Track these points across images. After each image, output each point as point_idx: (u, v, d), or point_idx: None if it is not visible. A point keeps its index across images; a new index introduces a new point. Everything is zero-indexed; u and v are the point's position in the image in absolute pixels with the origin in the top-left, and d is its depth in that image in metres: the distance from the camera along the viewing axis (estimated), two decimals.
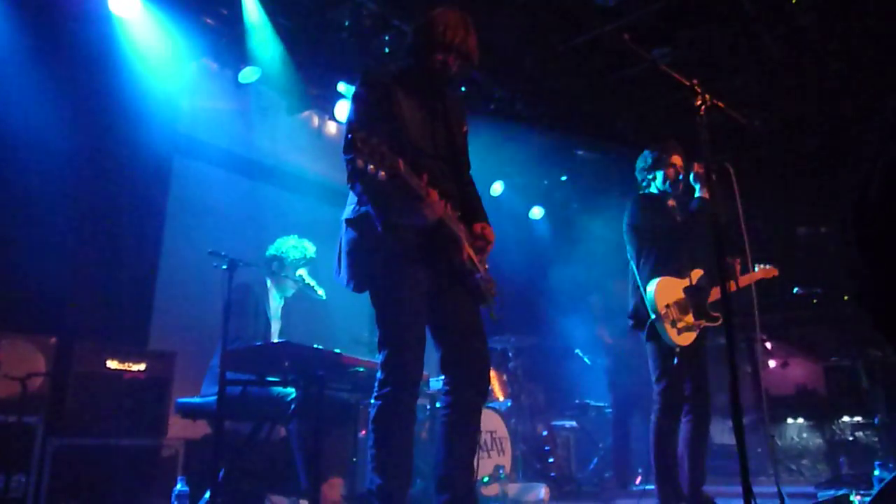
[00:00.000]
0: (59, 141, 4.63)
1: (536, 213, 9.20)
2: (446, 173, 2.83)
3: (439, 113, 2.91)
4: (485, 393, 2.83)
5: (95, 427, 4.10)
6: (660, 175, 4.16)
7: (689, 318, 3.92)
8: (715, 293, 3.99)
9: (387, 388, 2.59)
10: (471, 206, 2.98)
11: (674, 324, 3.86)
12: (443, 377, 2.80)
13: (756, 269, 4.18)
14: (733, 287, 3.96)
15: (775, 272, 4.32)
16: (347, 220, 2.75)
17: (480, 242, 2.87)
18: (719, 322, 3.89)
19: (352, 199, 2.77)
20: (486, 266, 2.92)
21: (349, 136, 2.40)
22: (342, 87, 6.29)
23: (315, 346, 3.47)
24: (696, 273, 4.05)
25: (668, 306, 3.88)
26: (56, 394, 4.01)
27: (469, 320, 2.81)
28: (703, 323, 3.95)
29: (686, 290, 3.97)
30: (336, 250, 2.80)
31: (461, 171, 2.99)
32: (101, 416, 4.15)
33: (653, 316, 3.86)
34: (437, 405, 3.64)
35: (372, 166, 2.29)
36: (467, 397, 2.75)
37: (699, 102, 2.79)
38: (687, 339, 3.90)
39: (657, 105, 7.16)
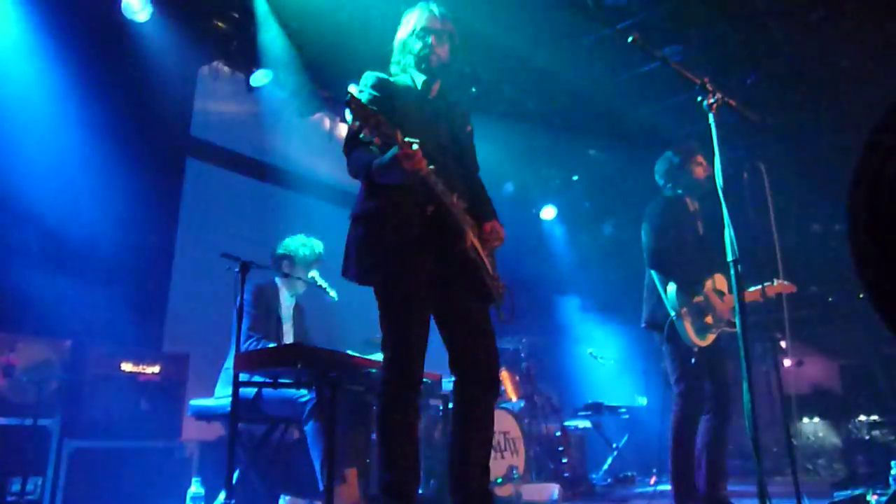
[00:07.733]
0: (72, 144, 4.68)
1: (548, 212, 9.18)
2: (450, 167, 2.86)
3: (442, 111, 2.99)
4: (495, 391, 2.80)
5: (110, 429, 4.13)
6: (687, 174, 4.10)
7: (709, 320, 3.88)
8: (730, 301, 3.84)
9: (390, 385, 2.61)
10: (481, 205, 3.00)
11: (693, 324, 3.83)
12: (452, 378, 2.80)
13: (774, 282, 3.92)
14: (748, 297, 3.86)
15: (792, 289, 3.97)
16: (354, 216, 2.80)
17: (491, 240, 2.88)
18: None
19: (358, 196, 2.83)
20: (495, 264, 2.93)
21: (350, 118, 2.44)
22: (353, 89, 6.29)
23: (327, 347, 3.47)
24: (718, 278, 3.99)
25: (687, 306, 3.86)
26: (71, 396, 4.04)
27: (476, 317, 2.80)
28: (723, 328, 3.91)
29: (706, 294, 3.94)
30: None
31: (469, 169, 3.05)
32: (116, 418, 4.18)
33: (672, 314, 3.82)
34: (450, 406, 3.62)
35: (367, 130, 2.36)
36: (477, 395, 2.74)
37: (710, 101, 2.78)
38: (706, 339, 3.88)
39: (669, 104, 7.12)
